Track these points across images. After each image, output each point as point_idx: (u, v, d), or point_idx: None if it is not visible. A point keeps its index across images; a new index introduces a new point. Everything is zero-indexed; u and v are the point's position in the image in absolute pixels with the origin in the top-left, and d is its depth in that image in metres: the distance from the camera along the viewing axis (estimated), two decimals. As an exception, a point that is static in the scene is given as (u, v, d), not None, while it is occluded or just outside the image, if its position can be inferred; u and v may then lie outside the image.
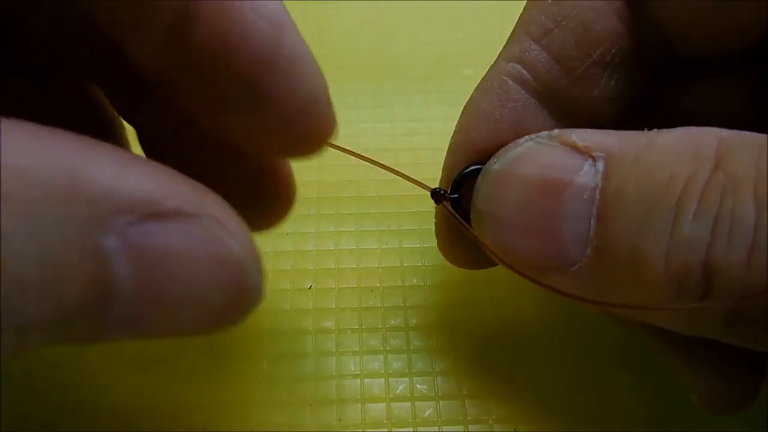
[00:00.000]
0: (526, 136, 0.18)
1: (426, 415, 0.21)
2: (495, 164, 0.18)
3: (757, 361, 0.18)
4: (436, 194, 0.19)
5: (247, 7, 0.14)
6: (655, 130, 0.16)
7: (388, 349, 0.23)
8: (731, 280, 0.14)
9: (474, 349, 0.23)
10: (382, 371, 0.22)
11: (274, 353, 0.23)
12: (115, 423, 0.21)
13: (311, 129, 0.16)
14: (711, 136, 0.15)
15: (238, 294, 0.14)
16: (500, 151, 0.18)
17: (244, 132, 0.16)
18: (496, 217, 0.17)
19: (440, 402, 0.22)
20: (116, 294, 0.12)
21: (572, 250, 0.16)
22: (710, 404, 0.18)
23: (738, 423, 0.21)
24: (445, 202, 0.19)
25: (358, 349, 0.23)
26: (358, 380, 0.22)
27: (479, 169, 0.18)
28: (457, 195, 0.19)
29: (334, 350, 0.23)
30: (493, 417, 0.21)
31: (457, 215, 0.19)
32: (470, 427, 0.21)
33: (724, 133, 0.15)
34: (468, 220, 0.19)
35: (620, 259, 0.15)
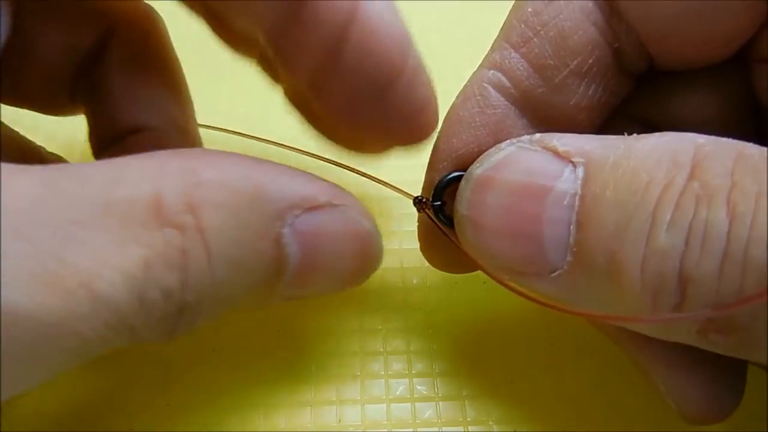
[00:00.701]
0: (508, 141, 0.18)
1: (426, 416, 0.21)
2: (477, 169, 0.18)
3: (736, 369, 0.18)
4: (418, 202, 0.20)
5: (384, 30, 0.17)
6: (635, 135, 0.16)
7: (388, 350, 0.23)
8: (705, 289, 0.14)
9: (474, 350, 0.23)
10: (382, 372, 0.22)
11: (274, 354, 0.23)
12: (114, 423, 0.21)
13: (425, 125, 0.19)
14: (688, 143, 0.15)
15: (368, 260, 0.18)
16: (483, 155, 0.18)
17: (365, 130, 0.19)
18: (478, 222, 0.17)
19: (440, 403, 0.22)
20: (287, 269, 0.16)
21: (553, 256, 0.16)
22: (688, 413, 0.18)
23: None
24: (427, 210, 0.20)
25: (358, 351, 0.23)
26: (358, 381, 0.22)
27: (461, 176, 0.19)
28: (440, 202, 0.19)
29: (334, 351, 0.23)
30: (493, 418, 0.21)
31: (438, 222, 0.20)
32: (470, 428, 0.21)
33: (701, 139, 0.15)
34: (452, 225, 0.19)
35: (598, 266, 0.15)
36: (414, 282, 0.25)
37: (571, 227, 0.16)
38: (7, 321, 0.12)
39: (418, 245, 0.25)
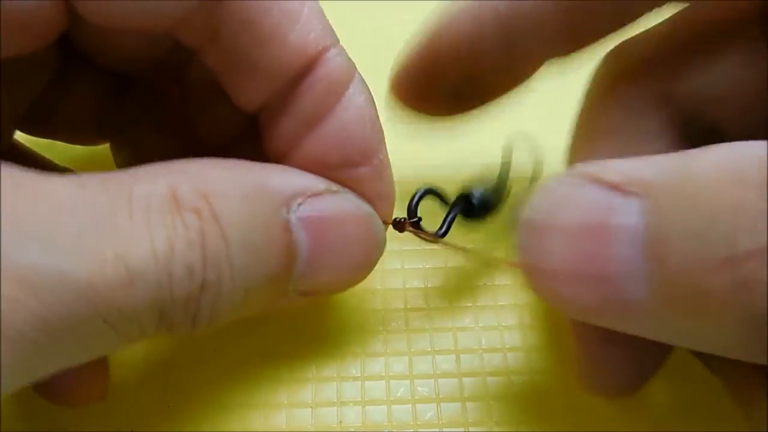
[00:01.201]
0: (551, 177, 0.17)
1: (427, 417, 0.21)
2: (529, 214, 0.17)
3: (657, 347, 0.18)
4: (397, 223, 0.21)
5: (358, 129, 0.19)
6: (690, 152, 0.15)
7: (388, 351, 0.23)
8: None
9: (474, 351, 0.23)
10: (383, 374, 0.22)
11: (275, 355, 0.23)
12: (114, 423, 0.21)
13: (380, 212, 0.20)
14: (753, 156, 0.14)
15: (372, 243, 0.19)
16: (532, 197, 0.17)
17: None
18: (542, 269, 0.17)
19: (441, 404, 0.22)
20: (298, 256, 0.17)
21: (629, 294, 0.15)
22: (599, 388, 0.19)
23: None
24: (409, 228, 0.20)
25: (359, 352, 0.23)
26: (359, 383, 0.22)
27: (430, 190, 0.21)
28: (417, 218, 0.21)
29: (335, 353, 0.23)
30: (494, 420, 0.21)
31: (424, 233, 0.21)
32: (471, 429, 0.21)
33: (762, 150, 0.14)
34: (427, 236, 0.21)
35: (682, 299, 0.14)
36: (415, 284, 0.25)
37: (642, 261, 0.15)
38: (57, 284, 0.13)
39: (418, 247, 0.25)
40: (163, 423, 0.21)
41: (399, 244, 0.25)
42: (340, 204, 0.18)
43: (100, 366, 0.19)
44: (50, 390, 0.19)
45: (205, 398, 0.22)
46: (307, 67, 0.18)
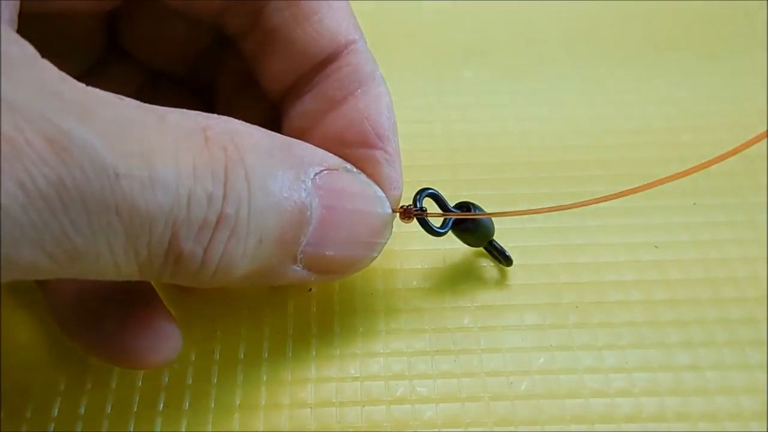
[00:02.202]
0: None
1: (426, 417, 0.21)
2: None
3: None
4: (405, 211, 0.21)
5: (374, 115, 0.20)
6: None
7: (387, 351, 0.23)
8: None
9: (473, 352, 0.23)
10: (382, 374, 0.22)
11: (275, 356, 0.23)
12: (114, 423, 0.21)
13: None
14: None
15: (379, 225, 0.20)
16: None
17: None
18: None
19: (439, 404, 0.22)
20: (310, 221, 0.18)
21: None
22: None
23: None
24: (415, 213, 0.21)
25: (358, 352, 0.23)
26: (358, 383, 0.22)
27: (433, 193, 0.22)
28: (423, 208, 0.21)
29: (336, 353, 0.23)
30: (492, 420, 0.21)
31: (430, 228, 0.21)
32: (470, 429, 0.21)
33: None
34: (435, 232, 0.21)
35: None
36: (414, 284, 0.25)
37: None
38: (84, 155, 0.13)
39: (418, 247, 0.25)
40: (164, 423, 0.21)
41: (400, 244, 0.26)
42: (354, 181, 0.19)
43: (171, 324, 0.20)
44: (122, 347, 0.19)
45: (205, 398, 0.22)
46: (336, 53, 0.20)
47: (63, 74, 0.14)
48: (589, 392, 0.22)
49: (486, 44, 0.34)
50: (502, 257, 0.24)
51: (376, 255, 0.20)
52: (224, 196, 0.15)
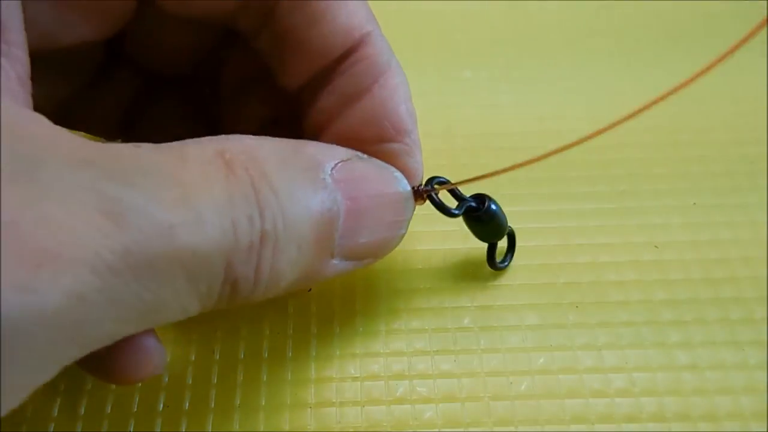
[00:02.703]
0: None
1: (426, 417, 0.21)
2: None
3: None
4: (418, 190, 0.21)
5: (393, 106, 0.20)
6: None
7: (387, 351, 0.23)
8: None
9: (472, 352, 0.23)
10: (382, 373, 0.22)
11: (275, 356, 0.23)
12: (114, 423, 0.21)
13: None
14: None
15: (402, 203, 0.20)
16: None
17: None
18: None
19: (440, 404, 0.22)
20: (338, 215, 0.18)
21: None
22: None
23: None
24: (426, 190, 0.21)
25: (358, 352, 0.23)
26: (358, 383, 0.22)
27: (444, 181, 0.21)
28: (435, 190, 0.21)
29: (336, 353, 0.23)
30: (493, 419, 0.21)
31: (441, 202, 0.21)
32: (470, 429, 0.21)
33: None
34: (447, 212, 0.22)
35: None
36: (414, 284, 0.25)
37: None
38: (140, 218, 0.14)
39: (418, 247, 0.25)
40: (164, 423, 0.21)
41: (400, 244, 0.25)
42: (369, 167, 0.19)
43: (153, 340, 0.19)
44: (107, 366, 0.19)
45: (206, 398, 0.22)
46: (352, 48, 0.20)
47: (76, 136, 0.14)
48: (589, 392, 0.22)
49: (486, 44, 0.34)
50: (495, 260, 0.24)
51: (404, 232, 0.21)
52: (261, 215, 0.16)
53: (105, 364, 0.18)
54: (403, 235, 0.21)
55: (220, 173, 0.15)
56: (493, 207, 0.23)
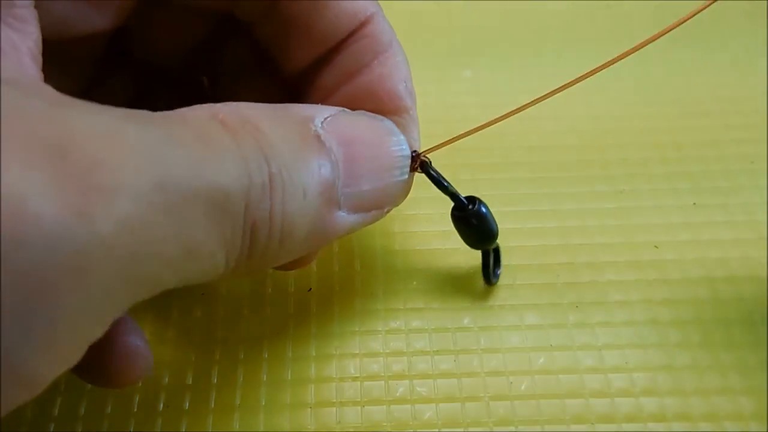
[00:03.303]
0: None
1: (426, 417, 0.21)
2: None
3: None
4: (416, 156, 0.21)
5: (392, 84, 0.21)
6: None
7: (387, 351, 0.23)
8: None
9: (473, 352, 0.23)
10: (382, 373, 0.22)
11: (274, 356, 0.23)
12: (114, 423, 0.21)
13: None
14: None
15: (398, 143, 0.20)
16: None
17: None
18: None
19: (439, 404, 0.22)
20: (337, 163, 0.18)
21: None
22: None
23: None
24: (422, 163, 0.21)
25: (357, 352, 0.23)
26: (358, 383, 0.22)
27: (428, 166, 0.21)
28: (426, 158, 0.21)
29: (334, 353, 0.23)
30: (493, 420, 0.21)
31: (437, 172, 0.22)
32: (469, 429, 0.21)
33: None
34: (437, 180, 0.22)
35: None
36: (414, 284, 0.25)
37: None
38: (169, 155, 0.14)
39: (418, 247, 0.25)
40: (164, 423, 0.21)
41: (400, 244, 0.26)
42: (358, 117, 0.20)
43: (143, 341, 0.19)
44: (95, 370, 0.19)
45: (205, 398, 0.22)
46: (356, 29, 0.20)
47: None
48: (589, 392, 0.22)
49: (486, 44, 0.34)
50: (491, 272, 0.24)
51: (405, 177, 0.20)
52: (266, 160, 0.16)
53: (94, 366, 0.18)
54: (406, 183, 0.20)
55: (220, 127, 0.16)
56: (483, 209, 0.22)
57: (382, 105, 0.20)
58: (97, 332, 0.14)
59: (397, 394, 0.22)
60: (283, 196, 0.16)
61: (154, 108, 0.24)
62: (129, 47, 0.23)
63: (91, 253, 0.12)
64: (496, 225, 0.23)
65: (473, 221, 0.22)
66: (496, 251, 0.24)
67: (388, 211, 0.21)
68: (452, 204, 0.22)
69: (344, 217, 0.19)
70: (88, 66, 0.22)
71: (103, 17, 0.19)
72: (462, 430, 0.21)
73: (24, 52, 0.16)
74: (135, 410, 0.22)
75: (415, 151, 0.21)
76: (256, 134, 0.16)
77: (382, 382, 0.22)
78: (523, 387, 0.22)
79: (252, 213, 0.16)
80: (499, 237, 0.23)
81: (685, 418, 0.21)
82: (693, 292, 0.24)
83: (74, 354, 0.13)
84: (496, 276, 0.24)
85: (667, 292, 0.24)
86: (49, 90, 0.14)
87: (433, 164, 0.21)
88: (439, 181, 0.22)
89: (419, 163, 0.21)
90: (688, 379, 0.22)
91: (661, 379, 0.22)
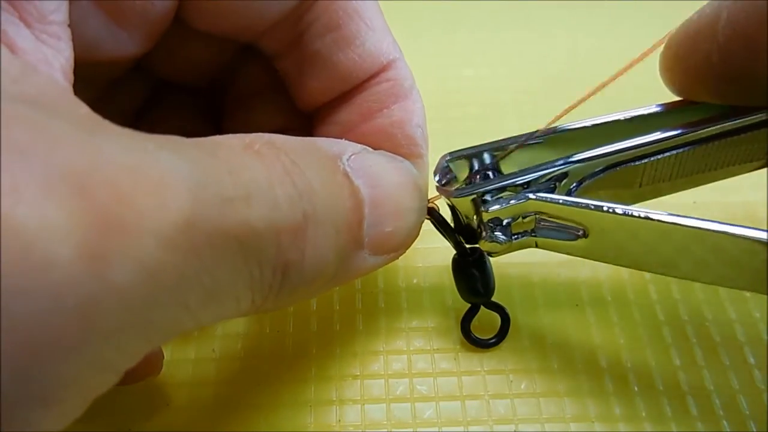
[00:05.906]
0: None
1: (426, 416, 0.21)
2: None
3: None
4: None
5: (406, 130, 0.21)
6: None
7: (387, 350, 0.23)
8: None
9: (473, 350, 0.23)
10: (382, 372, 0.22)
11: (275, 355, 0.23)
12: (114, 423, 0.21)
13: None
14: None
15: (416, 186, 0.20)
16: None
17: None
18: None
19: (440, 403, 0.22)
20: (364, 202, 0.18)
21: None
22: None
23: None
24: (429, 210, 0.21)
25: (358, 351, 0.23)
26: (358, 381, 0.22)
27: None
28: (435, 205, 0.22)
29: (336, 352, 0.23)
30: (493, 418, 0.21)
31: (443, 219, 0.22)
32: (470, 428, 0.21)
33: None
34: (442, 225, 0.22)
35: None
36: (414, 282, 0.25)
37: None
38: (198, 189, 0.13)
39: (418, 246, 0.25)
40: (164, 423, 0.21)
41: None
42: (380, 157, 0.20)
43: None
44: None
45: (205, 398, 0.22)
46: (376, 73, 0.20)
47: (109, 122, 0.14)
48: (588, 392, 0.22)
49: (486, 44, 0.34)
50: (469, 327, 0.23)
51: (422, 219, 0.21)
52: (299, 195, 0.16)
53: None
54: (422, 223, 0.21)
55: (255, 160, 0.15)
56: (486, 262, 0.22)
57: (399, 148, 0.20)
58: (109, 382, 0.13)
59: (397, 393, 0.22)
60: (316, 236, 0.16)
61: (164, 115, 0.23)
62: (149, 64, 0.22)
63: (102, 301, 0.11)
64: (494, 281, 0.23)
65: (475, 269, 0.22)
66: (504, 314, 0.23)
67: (401, 255, 0.20)
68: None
69: (367, 259, 0.19)
70: (104, 78, 0.22)
71: (134, 43, 0.19)
72: (462, 428, 0.21)
73: (56, 68, 0.16)
74: (135, 410, 0.22)
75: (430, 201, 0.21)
76: (292, 169, 0.16)
77: (382, 380, 0.22)
78: (523, 386, 0.22)
79: (284, 253, 0.15)
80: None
81: (684, 418, 0.21)
82: (692, 292, 0.24)
83: (82, 406, 0.13)
84: (497, 340, 0.23)
85: (665, 292, 0.24)
86: (81, 109, 0.13)
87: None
88: (446, 225, 0.22)
89: (428, 210, 0.21)
90: (686, 379, 0.22)
91: (659, 378, 0.22)
